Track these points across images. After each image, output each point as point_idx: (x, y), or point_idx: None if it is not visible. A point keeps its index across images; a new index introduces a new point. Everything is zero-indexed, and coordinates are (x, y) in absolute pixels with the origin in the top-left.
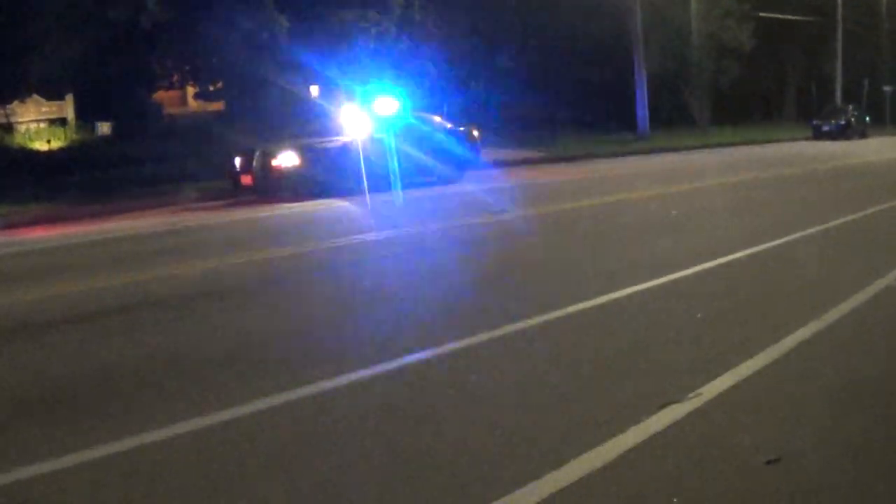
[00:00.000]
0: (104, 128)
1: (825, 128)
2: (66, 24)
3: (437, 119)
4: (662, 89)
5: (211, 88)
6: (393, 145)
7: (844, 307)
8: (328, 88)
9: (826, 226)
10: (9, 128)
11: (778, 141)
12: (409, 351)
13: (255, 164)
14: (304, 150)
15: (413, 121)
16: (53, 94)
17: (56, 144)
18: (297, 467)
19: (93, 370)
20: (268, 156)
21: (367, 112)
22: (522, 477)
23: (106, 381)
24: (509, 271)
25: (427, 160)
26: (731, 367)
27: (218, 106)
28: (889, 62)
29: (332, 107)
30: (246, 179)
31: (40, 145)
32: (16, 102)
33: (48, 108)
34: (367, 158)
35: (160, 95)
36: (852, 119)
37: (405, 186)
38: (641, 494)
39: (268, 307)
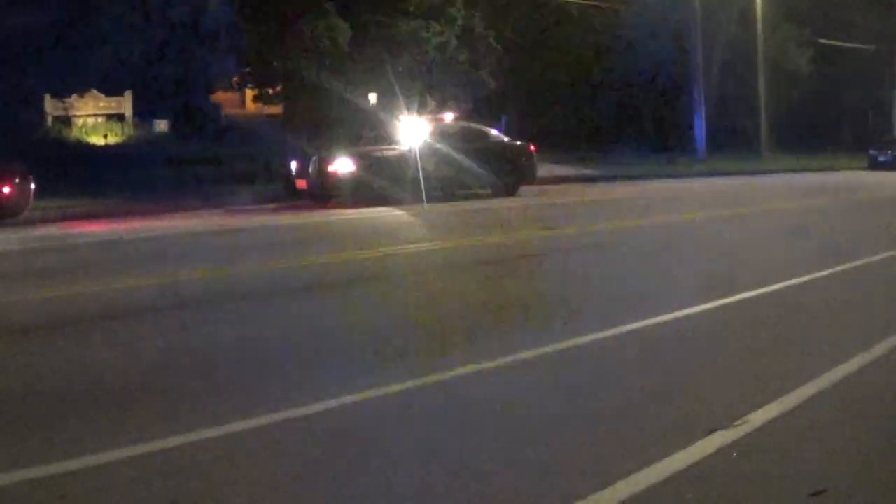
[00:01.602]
0: (161, 125)
1: (881, 158)
2: (128, 22)
3: (494, 132)
4: (720, 112)
5: (270, 92)
6: (449, 156)
7: (893, 340)
8: (386, 97)
9: (880, 256)
10: (67, 121)
11: (833, 169)
12: (449, 365)
13: (310, 168)
14: (360, 157)
15: (470, 132)
16: (112, 90)
17: (112, 140)
18: (332, 475)
19: (141, 366)
20: (324, 161)
21: (424, 122)
22: (565, 497)
23: (154, 378)
24: (562, 288)
25: (483, 172)
26: (778, 396)
27: (276, 109)
28: None
29: (390, 115)
30: (301, 183)
31: (97, 140)
32: (75, 96)
33: (106, 104)
34: (422, 168)
35: (219, 96)
36: None
37: (460, 198)
38: None
39: (313, 313)
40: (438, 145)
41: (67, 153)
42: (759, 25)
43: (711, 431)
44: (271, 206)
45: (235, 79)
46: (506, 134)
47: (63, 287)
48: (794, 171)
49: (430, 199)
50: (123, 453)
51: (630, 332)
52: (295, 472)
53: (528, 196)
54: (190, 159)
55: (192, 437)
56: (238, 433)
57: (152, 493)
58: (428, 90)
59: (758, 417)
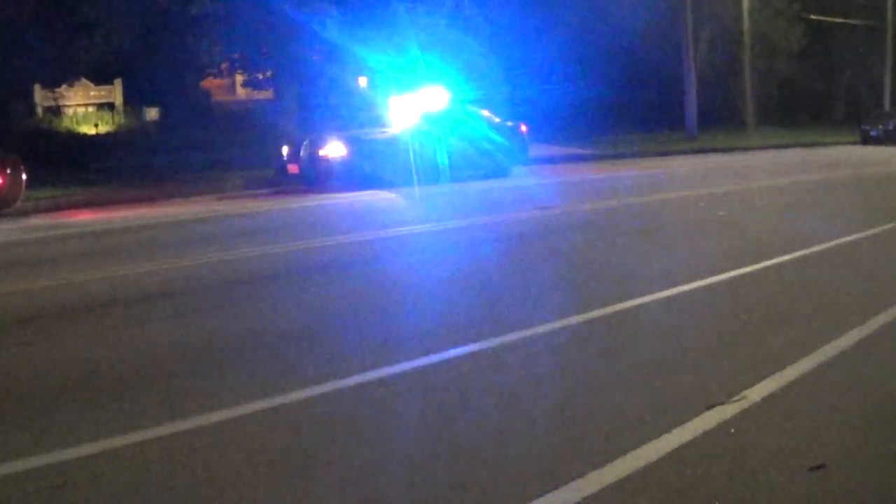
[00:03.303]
0: (152, 113)
1: (873, 132)
2: (116, 9)
3: (485, 113)
4: (711, 88)
5: (260, 77)
6: (440, 138)
7: (889, 314)
8: (376, 79)
9: (873, 231)
10: (57, 111)
11: (825, 144)
12: (451, 345)
13: (302, 153)
14: (351, 141)
15: (461, 114)
16: (102, 79)
17: (103, 129)
18: (328, 459)
19: (136, 354)
20: (315, 145)
21: (415, 104)
22: (565, 475)
23: (149, 366)
24: (556, 268)
25: (474, 154)
26: (775, 372)
27: (266, 95)
28: None
29: (380, 98)
30: (293, 168)
31: (88, 129)
32: (64, 86)
33: (96, 93)
34: (414, 150)
35: (209, 83)
36: None
37: (452, 179)
38: (683, 497)
39: (309, 296)
40: (429, 127)
41: (59, 143)
42: (746, 2)
43: (710, 407)
44: (264, 191)
45: (224, 65)
46: (496, 114)
47: (57, 277)
48: (785, 146)
49: (421, 182)
50: (121, 441)
51: (626, 310)
52: (292, 457)
53: (520, 176)
54: (182, 146)
55: (189, 424)
56: (235, 419)
57: (150, 480)
58: (417, 72)
59: (756, 393)
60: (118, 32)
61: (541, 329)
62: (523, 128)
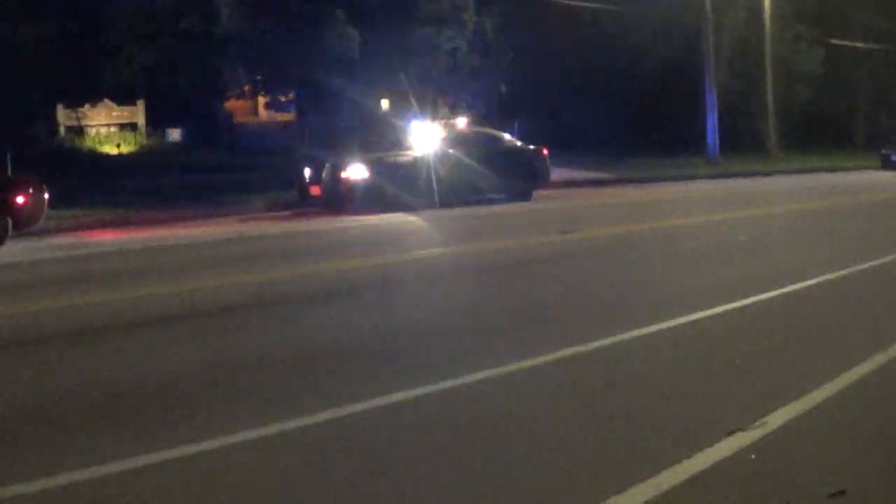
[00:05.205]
0: (174, 134)
1: (893, 157)
2: (140, 31)
3: (508, 136)
4: (732, 113)
5: (282, 99)
6: (462, 161)
7: None
8: (399, 102)
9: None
10: (80, 131)
11: (846, 169)
12: (467, 372)
13: (324, 175)
14: (373, 163)
15: (483, 137)
16: (125, 99)
17: (126, 149)
18: (351, 481)
19: (157, 375)
20: (337, 168)
21: (437, 127)
22: (586, 500)
23: (170, 386)
24: (577, 292)
25: (497, 177)
26: (796, 398)
27: (288, 116)
28: None
29: (403, 121)
30: (315, 190)
31: (110, 149)
32: (87, 106)
33: (119, 113)
34: (436, 173)
35: (231, 104)
36: None
37: (474, 203)
38: None
39: (332, 320)
40: (451, 150)
41: (81, 163)
42: (768, 25)
43: (730, 433)
44: (286, 213)
45: (247, 86)
46: (518, 138)
47: (78, 296)
48: (806, 171)
49: (443, 205)
50: (145, 461)
51: (646, 336)
52: (315, 479)
53: (541, 200)
54: (204, 167)
55: (214, 444)
56: (259, 440)
57: (175, 499)
58: (440, 95)
59: (776, 419)
60: (141, 54)
61: (560, 354)
62: (545, 152)
